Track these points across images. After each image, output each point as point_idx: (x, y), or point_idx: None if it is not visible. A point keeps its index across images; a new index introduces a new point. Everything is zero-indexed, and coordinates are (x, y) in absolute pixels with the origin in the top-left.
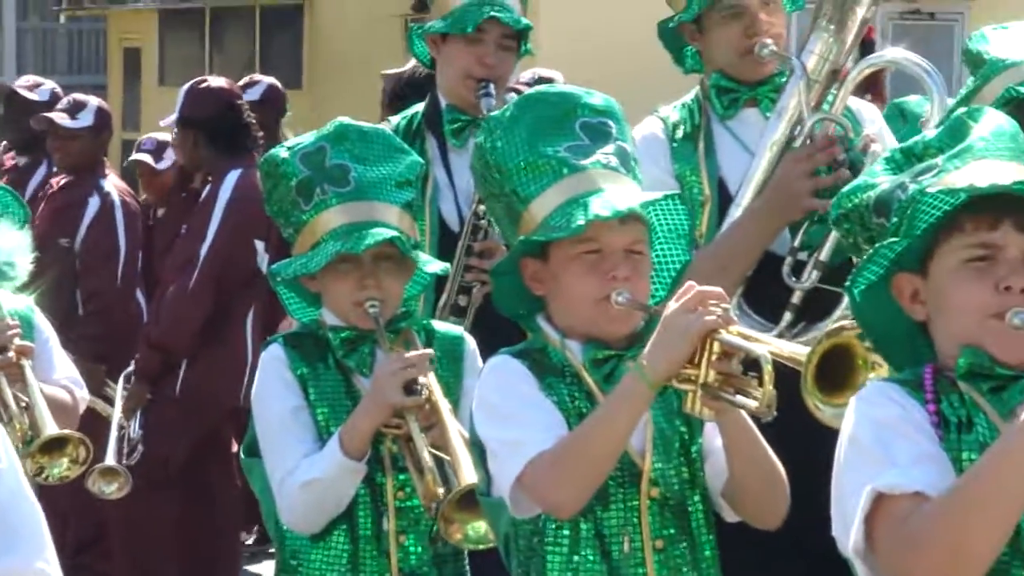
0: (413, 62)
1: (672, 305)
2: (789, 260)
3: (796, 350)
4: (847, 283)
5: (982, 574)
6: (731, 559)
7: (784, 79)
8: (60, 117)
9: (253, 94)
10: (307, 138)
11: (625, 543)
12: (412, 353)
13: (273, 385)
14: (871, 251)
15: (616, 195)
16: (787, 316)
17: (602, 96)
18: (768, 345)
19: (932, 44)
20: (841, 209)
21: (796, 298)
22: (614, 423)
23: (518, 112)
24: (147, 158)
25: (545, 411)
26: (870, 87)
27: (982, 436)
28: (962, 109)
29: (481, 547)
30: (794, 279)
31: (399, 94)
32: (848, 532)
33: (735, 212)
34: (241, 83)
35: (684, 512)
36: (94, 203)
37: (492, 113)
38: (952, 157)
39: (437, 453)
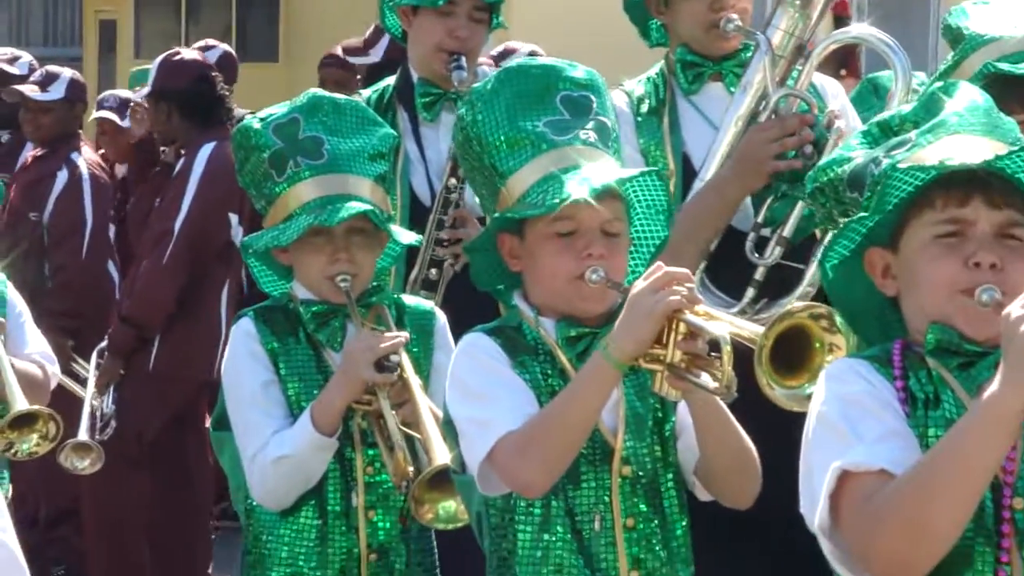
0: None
1: (639, 285)
2: (752, 236)
3: (756, 330)
4: (819, 257)
5: (944, 551)
6: (701, 535)
7: (749, 54)
8: (31, 90)
9: (211, 57)
10: (280, 109)
11: (596, 521)
12: (388, 335)
13: (243, 359)
14: (842, 225)
15: (593, 172)
16: (749, 292)
17: (585, 69)
18: (729, 326)
19: (908, 18)
20: (816, 183)
21: (759, 274)
22: (582, 402)
23: (499, 85)
24: (111, 115)
25: (515, 390)
26: (845, 63)
27: (949, 413)
28: (938, 84)
29: (451, 527)
30: (756, 255)
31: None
32: (815, 509)
33: (698, 186)
34: (196, 45)
35: (656, 490)
36: (62, 176)
37: (474, 85)
38: (925, 132)
39: (407, 431)
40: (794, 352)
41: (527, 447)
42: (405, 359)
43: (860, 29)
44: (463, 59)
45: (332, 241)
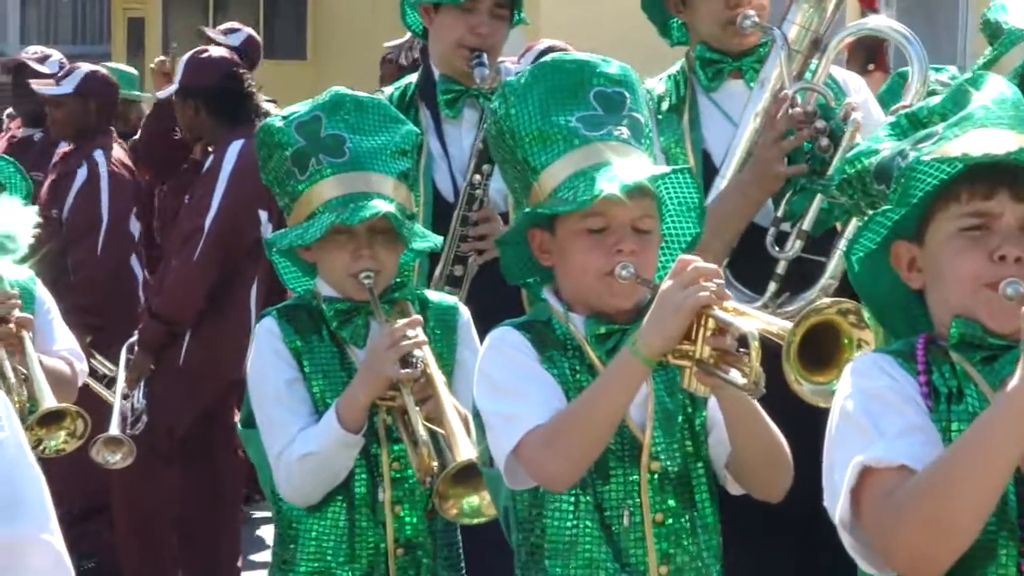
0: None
1: (668, 281)
2: (772, 231)
3: (785, 326)
4: (845, 249)
5: (966, 546)
6: (730, 529)
7: (767, 50)
8: (42, 83)
9: (234, 40)
10: (302, 107)
11: (625, 516)
12: (401, 321)
13: (268, 358)
14: (867, 218)
15: (624, 169)
16: (772, 286)
17: (619, 65)
18: (758, 321)
19: (935, 14)
20: (844, 174)
21: (780, 268)
22: (609, 398)
23: (533, 80)
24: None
25: (543, 385)
26: (873, 58)
27: (971, 407)
28: (966, 75)
29: (476, 521)
30: (777, 249)
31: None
32: (837, 503)
33: (719, 183)
34: (221, 28)
35: (686, 485)
36: (81, 173)
37: (508, 78)
38: (952, 125)
39: (432, 427)
40: (823, 348)
41: (553, 440)
42: (428, 355)
43: (876, 21)
44: (484, 56)
45: (355, 239)
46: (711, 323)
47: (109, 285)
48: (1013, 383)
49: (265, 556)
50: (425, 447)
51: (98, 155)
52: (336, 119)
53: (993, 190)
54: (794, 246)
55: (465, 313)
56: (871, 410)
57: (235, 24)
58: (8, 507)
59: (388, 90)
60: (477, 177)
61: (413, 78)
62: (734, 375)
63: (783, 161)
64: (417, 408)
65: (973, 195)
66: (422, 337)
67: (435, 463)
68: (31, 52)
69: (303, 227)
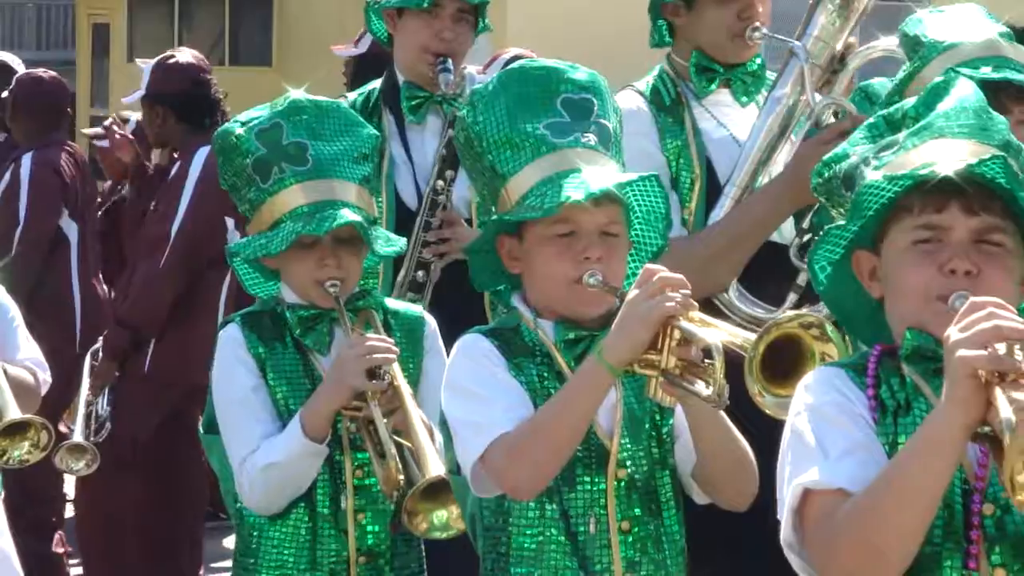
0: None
1: (634, 291)
2: (796, 241)
3: (749, 337)
4: (808, 259)
5: (899, 568)
6: (699, 538)
7: (759, 61)
8: None
9: (362, 47)
10: (261, 112)
11: (591, 524)
12: (379, 343)
13: (231, 366)
14: (825, 230)
15: (591, 176)
16: (791, 297)
17: (587, 71)
18: (723, 333)
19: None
20: (820, 177)
21: (801, 279)
22: (575, 406)
23: (500, 87)
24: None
25: (510, 392)
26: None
27: (919, 419)
28: (938, 78)
29: (446, 535)
30: (800, 260)
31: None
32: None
33: (731, 191)
34: (357, 37)
35: (652, 493)
36: (6, 176)
37: (476, 86)
38: (912, 134)
39: (398, 439)
40: (787, 360)
41: (518, 449)
42: (396, 367)
43: (889, 42)
44: (449, 61)
45: (319, 247)
46: (676, 334)
47: (28, 287)
48: (931, 414)
49: (227, 563)
50: (392, 460)
51: (25, 158)
52: (297, 126)
53: (945, 203)
54: None
55: (431, 323)
56: (818, 428)
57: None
58: None
59: (352, 96)
60: (440, 183)
61: (377, 84)
62: (699, 386)
63: None
64: (384, 420)
65: (924, 208)
66: (393, 352)
67: (401, 477)
68: None
69: (267, 236)
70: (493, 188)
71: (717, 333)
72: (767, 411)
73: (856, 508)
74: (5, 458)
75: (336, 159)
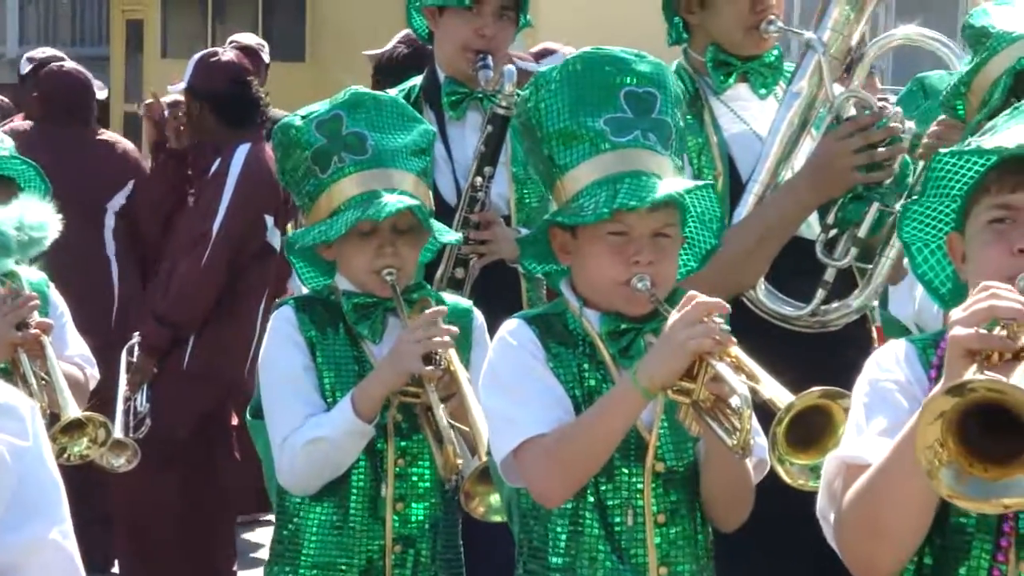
0: (392, 43)
1: (674, 315)
2: (822, 237)
3: (777, 396)
4: (904, 241)
5: (903, 552)
6: (733, 537)
7: (775, 54)
8: None
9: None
10: (320, 106)
11: (628, 516)
12: (429, 310)
13: (283, 345)
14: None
15: (646, 182)
16: (820, 293)
17: (652, 61)
18: (752, 383)
19: (933, 14)
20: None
21: (829, 275)
22: (606, 424)
23: (565, 74)
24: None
25: (545, 394)
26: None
27: None
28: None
29: (502, 518)
30: (827, 256)
31: (376, 76)
32: None
33: (754, 188)
34: (533, 50)
35: (690, 487)
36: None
37: (541, 69)
38: (1010, 117)
39: (455, 424)
40: (813, 425)
41: (551, 459)
42: (452, 353)
43: (907, 29)
44: (489, 58)
45: (377, 236)
46: (711, 369)
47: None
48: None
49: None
50: (450, 445)
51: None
52: (357, 117)
53: (1020, 183)
54: (848, 253)
55: (479, 316)
56: (870, 402)
57: (551, 45)
58: (22, 512)
59: (392, 92)
60: (479, 179)
61: (417, 80)
62: (723, 432)
63: (859, 170)
64: (442, 405)
65: (1001, 188)
66: (449, 337)
67: (460, 460)
68: (39, 53)
69: (326, 224)
70: (550, 176)
71: (745, 386)
72: (788, 480)
73: (863, 484)
74: (66, 455)
75: (395, 150)
